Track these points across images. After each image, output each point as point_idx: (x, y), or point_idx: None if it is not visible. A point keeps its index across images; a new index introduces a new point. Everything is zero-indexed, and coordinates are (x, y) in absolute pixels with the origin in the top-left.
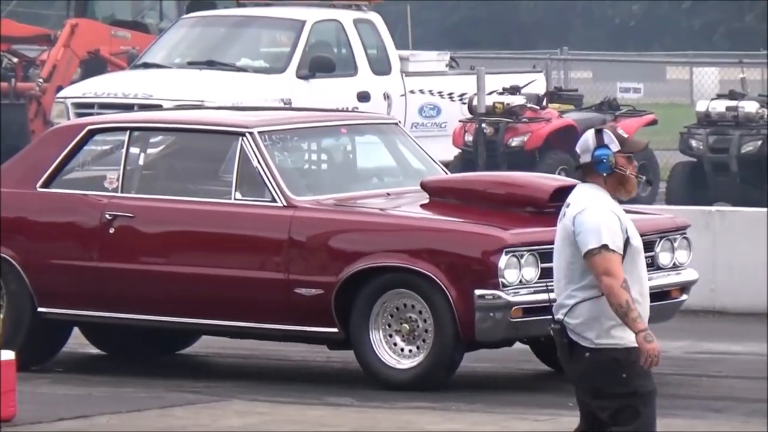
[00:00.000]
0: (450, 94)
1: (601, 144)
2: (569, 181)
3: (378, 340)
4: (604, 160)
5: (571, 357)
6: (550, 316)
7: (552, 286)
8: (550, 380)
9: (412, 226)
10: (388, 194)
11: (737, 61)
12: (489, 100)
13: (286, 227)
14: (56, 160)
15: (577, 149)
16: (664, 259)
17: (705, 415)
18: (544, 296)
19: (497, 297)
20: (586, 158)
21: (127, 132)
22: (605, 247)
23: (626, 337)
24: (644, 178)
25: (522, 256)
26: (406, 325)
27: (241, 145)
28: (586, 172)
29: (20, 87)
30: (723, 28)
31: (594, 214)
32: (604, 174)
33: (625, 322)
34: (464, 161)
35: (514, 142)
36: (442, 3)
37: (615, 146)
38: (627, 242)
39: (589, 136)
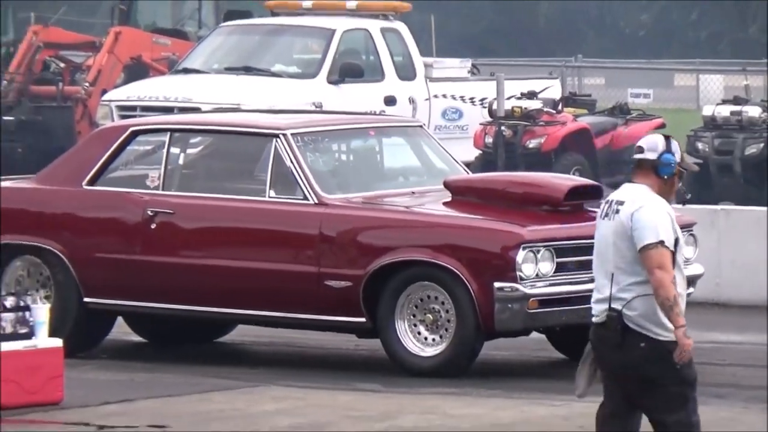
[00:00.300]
0: (471, 98)
1: (668, 150)
2: (583, 181)
3: (403, 330)
4: (671, 164)
5: (623, 345)
6: (565, 307)
7: (564, 279)
8: (565, 368)
9: (435, 223)
10: (413, 193)
11: (741, 69)
12: (508, 105)
13: (317, 223)
14: (101, 160)
15: (643, 145)
16: None
17: (708, 401)
18: (559, 288)
19: (515, 289)
20: (650, 155)
21: (168, 133)
22: (662, 243)
23: None
24: (689, 195)
25: (538, 251)
26: (429, 316)
27: (275, 146)
28: (641, 171)
29: (67, 90)
30: (728, 39)
31: (652, 211)
32: (664, 176)
33: (668, 316)
34: (484, 162)
35: (532, 144)
36: (464, 14)
37: (678, 157)
38: (676, 242)
39: (658, 139)
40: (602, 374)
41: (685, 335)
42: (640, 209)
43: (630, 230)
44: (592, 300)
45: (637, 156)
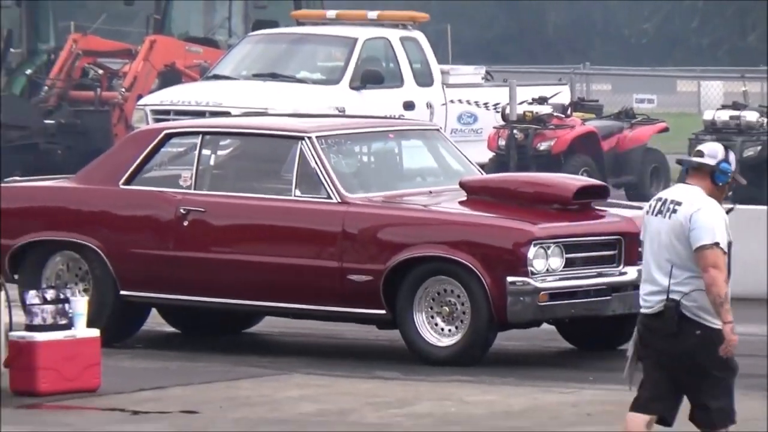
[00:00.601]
0: (485, 103)
1: (726, 159)
2: (591, 181)
3: (421, 321)
4: (728, 173)
5: (679, 333)
6: (574, 300)
7: (573, 274)
8: (574, 357)
9: (451, 221)
10: (431, 192)
11: (740, 75)
12: (520, 109)
13: (340, 221)
14: (137, 161)
15: (704, 150)
16: None
17: None
18: (568, 283)
19: (527, 283)
20: (710, 161)
21: (200, 136)
22: (717, 244)
23: None
24: (734, 207)
25: (549, 247)
26: (446, 308)
27: (301, 148)
28: (697, 174)
29: (105, 96)
30: (727, 46)
31: (710, 214)
32: (719, 183)
33: (718, 312)
34: (498, 163)
35: (542, 146)
36: (478, 23)
37: (733, 167)
38: (729, 245)
39: (718, 147)
40: (647, 362)
41: (732, 331)
42: (699, 211)
43: (688, 230)
44: (643, 292)
45: (697, 159)
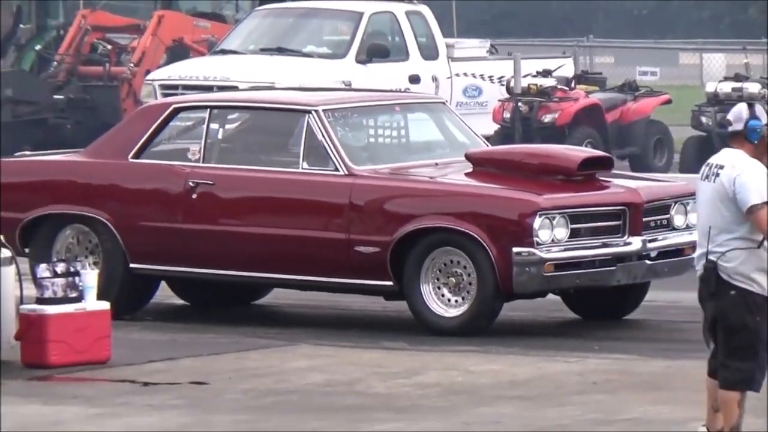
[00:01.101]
0: (490, 76)
1: (753, 116)
2: (595, 152)
3: (428, 292)
4: (757, 129)
5: (717, 293)
6: (579, 271)
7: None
8: (579, 327)
9: (457, 192)
10: (437, 164)
11: (741, 48)
12: (524, 82)
13: (347, 193)
14: (145, 135)
15: (730, 117)
16: (678, 220)
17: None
18: (573, 253)
19: (532, 254)
20: (737, 126)
21: (208, 110)
22: (767, 203)
23: (766, 287)
24: None
25: (554, 218)
26: (452, 279)
27: (308, 121)
28: (734, 139)
29: (113, 71)
30: (729, 19)
31: (752, 175)
32: (754, 142)
33: None
34: (503, 135)
35: (547, 118)
36: None
37: (765, 119)
38: None
39: (742, 108)
40: (705, 323)
41: None
42: (741, 174)
43: (732, 193)
44: (695, 255)
45: (729, 129)
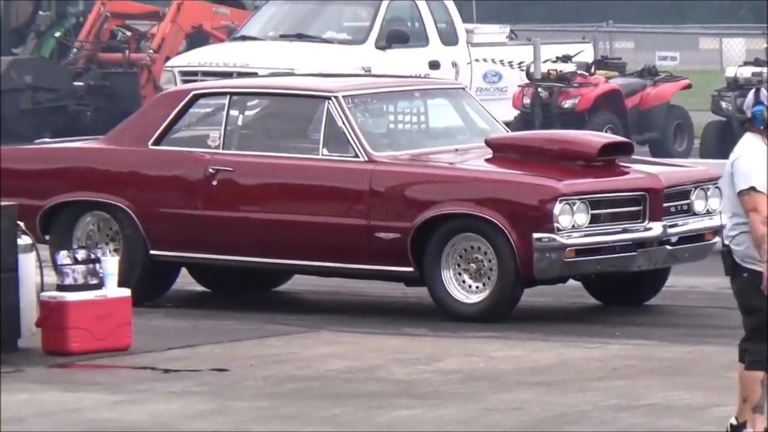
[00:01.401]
0: (510, 62)
1: (757, 101)
2: (615, 138)
3: (449, 278)
4: (757, 116)
5: (732, 275)
6: (600, 256)
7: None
8: (600, 313)
9: (478, 178)
10: (457, 150)
11: (761, 32)
12: (544, 68)
13: (368, 179)
14: (165, 121)
15: (744, 107)
16: (698, 206)
17: (734, 342)
18: (594, 239)
19: (553, 240)
20: (748, 113)
21: (228, 96)
22: (753, 188)
23: None
24: None
25: (574, 203)
26: (473, 265)
27: (328, 107)
28: (750, 126)
29: (133, 57)
30: (749, 4)
31: (747, 160)
32: (760, 126)
33: (758, 252)
34: (523, 121)
35: (566, 104)
36: None
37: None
38: None
39: (750, 94)
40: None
41: None
42: (738, 158)
43: (731, 176)
44: None
45: (744, 117)
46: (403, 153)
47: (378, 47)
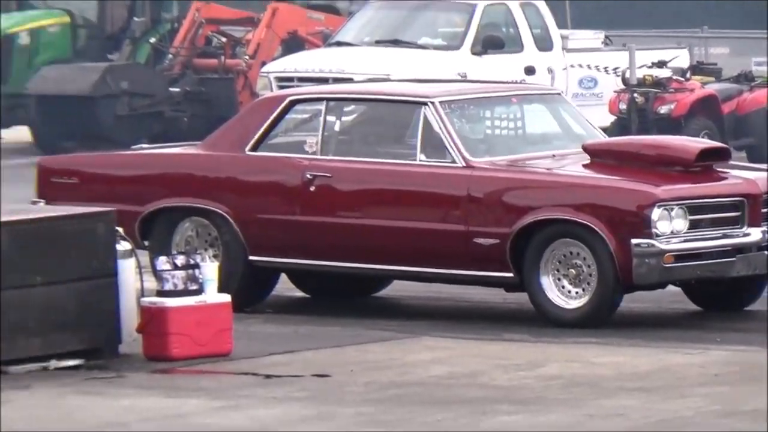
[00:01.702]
0: (605, 67)
1: None
2: (712, 143)
3: (548, 284)
4: None
5: None
6: (699, 262)
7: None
8: (700, 319)
9: (576, 184)
10: (554, 156)
11: None
12: (639, 73)
13: (465, 185)
14: (262, 127)
15: None
16: None
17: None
18: (693, 245)
19: (651, 245)
20: None
21: (324, 102)
22: None
23: None
24: None
25: (672, 209)
26: (572, 270)
27: (424, 113)
28: None
29: (229, 63)
30: None
31: None
32: None
33: None
34: (619, 127)
35: (663, 109)
36: None
37: None
38: None
39: None
40: None
41: None
42: None
43: None
44: None
45: None
46: (500, 159)
47: (473, 53)
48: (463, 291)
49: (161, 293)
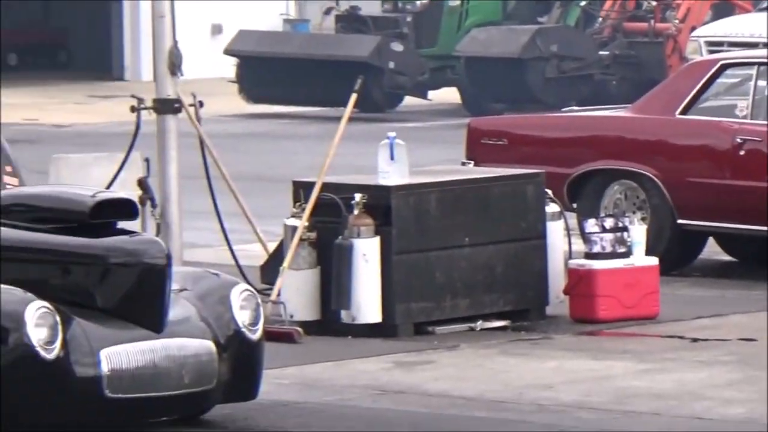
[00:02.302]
0: None
1: None
2: None
3: None
4: None
5: None
6: None
7: None
8: None
9: None
10: None
11: None
12: None
13: None
14: (693, 91)
15: None
16: None
17: None
18: None
19: None
20: None
21: (756, 66)
22: None
23: None
24: None
25: None
26: None
27: None
28: None
29: (658, 27)
30: None
31: None
32: None
33: None
34: None
35: None
36: None
37: None
38: None
39: None
40: None
41: None
42: None
43: None
44: None
45: None
46: None
47: None
48: None
49: (589, 255)
